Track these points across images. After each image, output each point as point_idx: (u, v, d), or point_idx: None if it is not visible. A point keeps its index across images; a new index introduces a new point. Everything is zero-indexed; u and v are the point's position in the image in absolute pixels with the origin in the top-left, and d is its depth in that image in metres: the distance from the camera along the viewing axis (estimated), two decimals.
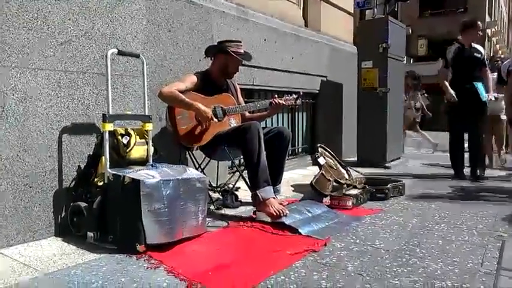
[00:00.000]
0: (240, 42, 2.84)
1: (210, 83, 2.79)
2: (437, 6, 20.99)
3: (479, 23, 4.26)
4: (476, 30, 4.17)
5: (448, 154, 4.39)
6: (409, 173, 4.48)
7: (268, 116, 3.13)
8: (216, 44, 2.89)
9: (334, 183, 3.25)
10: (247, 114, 3.06)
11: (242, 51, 2.80)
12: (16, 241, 2.01)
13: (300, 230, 2.23)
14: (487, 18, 20.31)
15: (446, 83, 4.22)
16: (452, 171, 4.31)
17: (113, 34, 2.45)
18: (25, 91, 2.03)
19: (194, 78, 2.70)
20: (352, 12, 6.26)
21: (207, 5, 3.28)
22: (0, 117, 1.94)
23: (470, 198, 3.23)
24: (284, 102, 2.91)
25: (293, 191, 3.42)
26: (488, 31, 20.69)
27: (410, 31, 19.07)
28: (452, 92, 4.11)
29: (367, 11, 9.41)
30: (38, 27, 2.08)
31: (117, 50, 2.22)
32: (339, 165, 3.58)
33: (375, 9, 8.59)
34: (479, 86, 4.10)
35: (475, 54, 4.19)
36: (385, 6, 8.30)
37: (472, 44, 4.22)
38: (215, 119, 2.62)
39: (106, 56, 2.13)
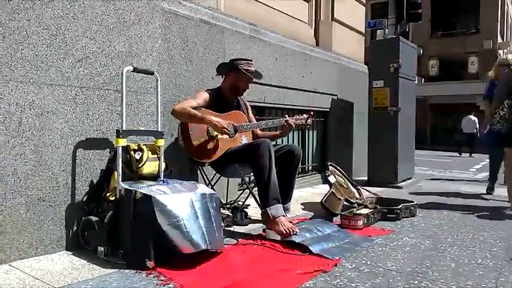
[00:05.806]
0: (251, 60, 2.88)
1: (221, 100, 2.82)
2: (449, 27, 21.01)
3: None
4: None
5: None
6: (421, 193, 4.43)
7: (280, 137, 3.15)
8: (227, 61, 2.94)
9: (345, 203, 3.23)
10: (259, 132, 3.08)
11: (253, 69, 2.84)
12: (28, 254, 2.03)
13: (310, 248, 2.21)
14: (499, 40, 20.26)
15: None
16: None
17: (129, 52, 2.51)
18: (42, 106, 2.08)
19: (206, 95, 2.74)
20: (363, 32, 6.31)
21: (221, 24, 3.34)
22: (16, 132, 1.99)
23: (484, 221, 3.17)
24: (295, 122, 2.93)
25: (303, 209, 3.40)
26: (500, 52, 20.60)
27: (421, 51, 19.15)
28: None
29: (378, 30, 9.51)
30: (57, 44, 2.14)
31: (132, 68, 2.26)
32: (349, 184, 3.56)
33: (386, 30, 8.66)
34: None
35: None
36: (396, 27, 8.37)
37: None
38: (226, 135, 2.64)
39: (122, 74, 2.18)
